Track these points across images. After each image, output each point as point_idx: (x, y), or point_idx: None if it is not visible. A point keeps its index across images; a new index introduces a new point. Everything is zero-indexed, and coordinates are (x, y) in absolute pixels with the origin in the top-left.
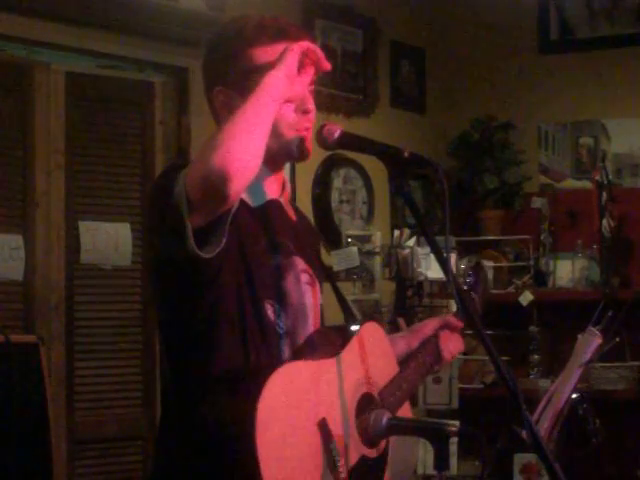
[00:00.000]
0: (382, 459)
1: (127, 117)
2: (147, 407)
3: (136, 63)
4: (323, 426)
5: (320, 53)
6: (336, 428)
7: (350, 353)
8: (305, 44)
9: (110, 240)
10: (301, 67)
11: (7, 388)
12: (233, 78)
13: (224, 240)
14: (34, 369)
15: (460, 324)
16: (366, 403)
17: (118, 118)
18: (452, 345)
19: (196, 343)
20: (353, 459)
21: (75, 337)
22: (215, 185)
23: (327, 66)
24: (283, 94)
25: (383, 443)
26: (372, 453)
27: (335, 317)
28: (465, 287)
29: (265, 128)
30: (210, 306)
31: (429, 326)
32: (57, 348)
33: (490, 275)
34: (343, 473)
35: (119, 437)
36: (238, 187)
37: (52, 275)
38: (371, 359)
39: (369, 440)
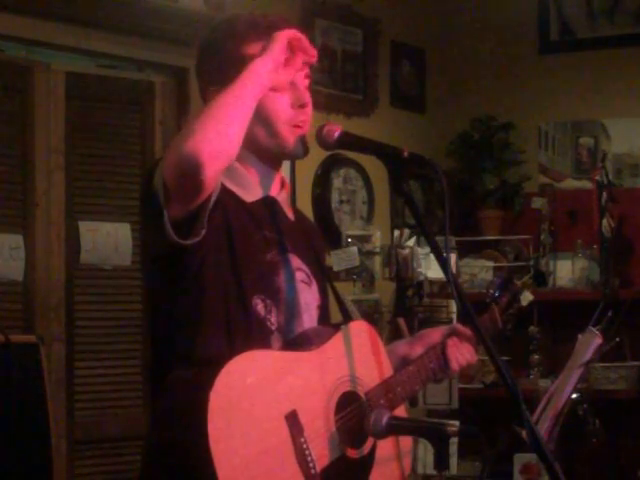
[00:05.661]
0: (366, 461)
1: (127, 117)
2: (147, 407)
3: (136, 63)
4: (293, 418)
5: (306, 41)
6: (309, 422)
7: (333, 349)
8: (291, 32)
9: (110, 240)
10: (289, 55)
11: (7, 388)
12: (227, 77)
13: (204, 230)
14: (34, 369)
15: (469, 332)
16: (348, 401)
17: (118, 118)
18: (461, 355)
19: (179, 331)
20: (329, 457)
21: (75, 337)
22: (188, 170)
23: (313, 55)
24: (269, 81)
25: (369, 445)
26: (354, 454)
27: (335, 318)
28: (488, 299)
29: (245, 114)
30: (195, 296)
31: (436, 333)
32: (57, 348)
33: (490, 276)
34: (313, 469)
35: (119, 437)
36: (212, 172)
37: (52, 275)
38: (358, 358)
39: (351, 439)
